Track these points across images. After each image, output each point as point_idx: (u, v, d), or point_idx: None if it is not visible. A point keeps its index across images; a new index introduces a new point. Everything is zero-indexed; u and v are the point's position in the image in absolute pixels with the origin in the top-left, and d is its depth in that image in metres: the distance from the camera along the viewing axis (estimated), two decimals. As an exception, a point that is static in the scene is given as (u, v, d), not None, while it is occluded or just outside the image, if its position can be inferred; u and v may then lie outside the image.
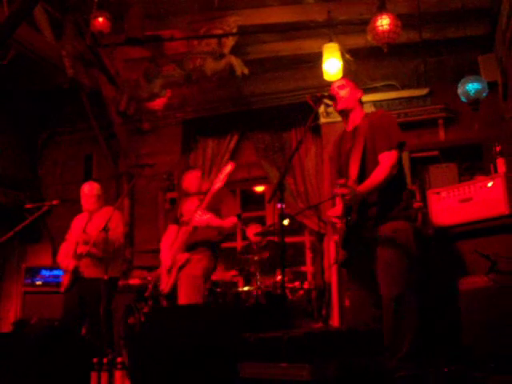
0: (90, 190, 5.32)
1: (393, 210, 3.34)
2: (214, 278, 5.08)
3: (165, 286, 4.65)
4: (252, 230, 6.02)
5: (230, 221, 4.71)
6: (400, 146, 3.34)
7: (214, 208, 4.67)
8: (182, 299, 4.46)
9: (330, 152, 3.87)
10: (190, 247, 4.68)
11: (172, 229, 4.96)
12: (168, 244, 4.82)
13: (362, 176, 3.29)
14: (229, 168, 4.51)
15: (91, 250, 4.98)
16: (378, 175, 3.25)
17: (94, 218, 5.23)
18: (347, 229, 3.30)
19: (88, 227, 5.18)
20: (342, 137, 3.63)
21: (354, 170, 3.31)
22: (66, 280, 5.12)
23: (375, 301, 3.32)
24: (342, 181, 3.16)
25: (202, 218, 4.53)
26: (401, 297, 3.16)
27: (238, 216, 4.85)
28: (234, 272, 5.85)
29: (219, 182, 4.49)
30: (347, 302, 4.87)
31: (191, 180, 5.03)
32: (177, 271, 4.59)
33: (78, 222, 5.36)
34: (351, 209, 3.29)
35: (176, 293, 4.56)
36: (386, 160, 3.28)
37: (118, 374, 4.18)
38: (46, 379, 4.31)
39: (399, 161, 3.37)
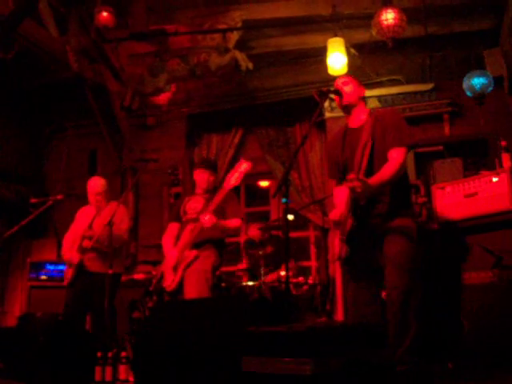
0: (95, 186, 5.31)
1: (400, 207, 3.34)
2: (220, 271, 4.99)
3: (170, 283, 4.44)
4: (252, 232, 5.95)
5: (234, 223, 4.56)
6: (410, 146, 3.36)
7: (220, 207, 4.47)
8: (190, 294, 4.31)
9: (328, 149, 3.87)
10: (197, 245, 4.49)
11: (173, 227, 4.77)
12: (170, 243, 4.65)
13: (369, 171, 3.27)
14: (244, 167, 4.22)
15: (95, 245, 5.00)
16: (388, 170, 3.24)
17: (101, 213, 5.23)
18: (353, 223, 3.30)
19: (95, 222, 5.19)
20: (343, 133, 3.60)
21: (362, 164, 3.29)
22: (69, 274, 5.12)
23: (376, 296, 3.34)
24: (352, 175, 3.14)
25: (210, 220, 4.26)
26: (410, 291, 3.17)
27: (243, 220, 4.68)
28: (238, 266, 5.82)
29: (234, 181, 4.24)
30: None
31: (203, 178, 4.74)
32: (183, 268, 4.41)
33: (83, 215, 5.37)
34: (358, 204, 3.28)
35: (181, 290, 4.40)
36: (396, 156, 3.27)
37: (122, 368, 4.20)
38: (50, 373, 4.33)
39: (406, 159, 3.37)
